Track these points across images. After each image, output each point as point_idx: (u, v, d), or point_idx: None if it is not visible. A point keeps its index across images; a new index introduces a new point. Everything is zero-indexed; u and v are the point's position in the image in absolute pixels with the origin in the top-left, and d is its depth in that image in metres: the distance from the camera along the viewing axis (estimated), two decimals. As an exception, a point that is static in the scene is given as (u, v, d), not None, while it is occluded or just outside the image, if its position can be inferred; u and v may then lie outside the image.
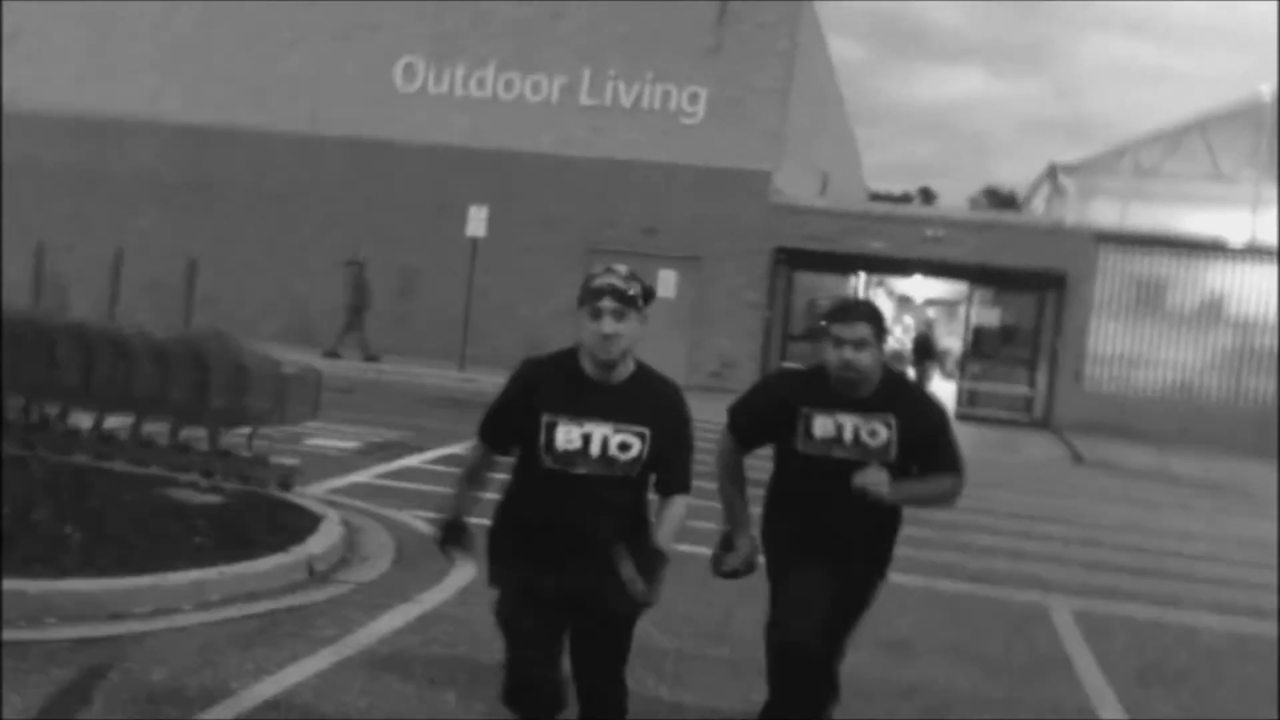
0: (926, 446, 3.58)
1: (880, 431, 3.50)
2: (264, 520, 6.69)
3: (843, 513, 3.51)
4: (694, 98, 20.47)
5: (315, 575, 6.00)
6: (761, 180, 20.13)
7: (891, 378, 3.63)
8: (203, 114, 21.63)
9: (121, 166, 21.96)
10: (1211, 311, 19.76)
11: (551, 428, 3.06)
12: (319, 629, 5.10)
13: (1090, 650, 5.95)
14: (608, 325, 3.00)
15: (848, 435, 3.50)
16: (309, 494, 7.72)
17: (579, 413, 3.07)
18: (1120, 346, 19.70)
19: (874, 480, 3.42)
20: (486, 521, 3.28)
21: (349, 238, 20.43)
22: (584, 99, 20.86)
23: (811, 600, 3.52)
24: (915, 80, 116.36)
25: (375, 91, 21.34)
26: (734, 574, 3.65)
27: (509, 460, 3.28)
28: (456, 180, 20.29)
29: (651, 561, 3.09)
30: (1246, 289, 19.62)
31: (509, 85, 21.15)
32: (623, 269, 3.10)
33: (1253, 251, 19.52)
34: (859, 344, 3.43)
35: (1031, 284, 19.64)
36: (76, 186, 21.79)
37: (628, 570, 3.03)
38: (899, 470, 3.50)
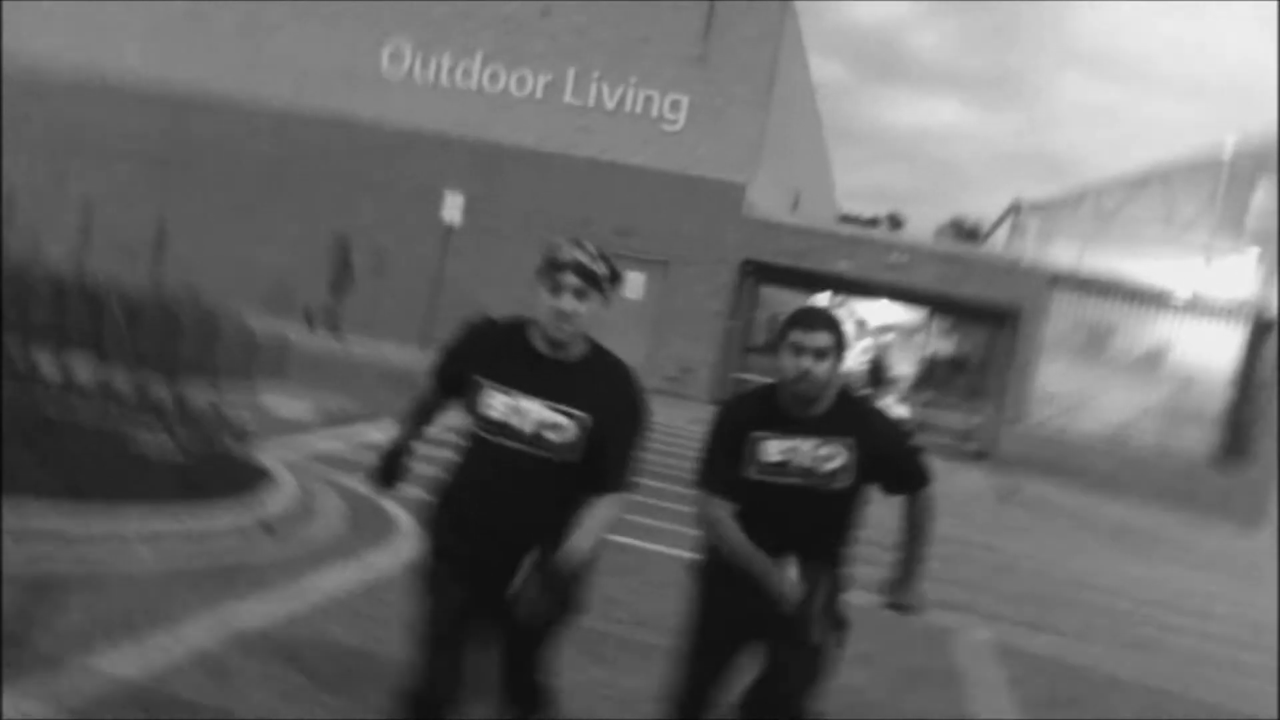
0: (891, 462, 3.32)
1: (838, 455, 3.21)
2: (219, 473, 6.90)
3: (803, 537, 3.27)
4: (675, 105, 20.83)
5: (269, 530, 6.24)
6: (736, 192, 20.52)
7: (846, 396, 3.34)
8: (188, 82, 21.68)
9: (103, 128, 21.92)
10: (1154, 361, 20.43)
11: (479, 390, 2.91)
12: (270, 580, 5.34)
13: (994, 671, 6.34)
14: (566, 302, 2.83)
15: (800, 460, 3.21)
16: (264, 452, 7.94)
17: (512, 384, 2.90)
18: (1065, 387, 20.31)
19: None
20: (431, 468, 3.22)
21: (324, 214, 20.58)
22: (568, 98, 21.15)
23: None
24: (893, 105, 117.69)
25: (361, 74, 21.51)
26: (800, 603, 3.24)
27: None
28: (435, 167, 20.50)
29: (553, 578, 2.84)
30: (1189, 343, 20.30)
31: (494, 78, 21.39)
32: (591, 246, 2.90)
33: (1198, 306, 20.20)
34: (819, 353, 3.15)
35: (986, 317, 20.19)
36: (56, 146, 21.73)
37: (531, 586, 2.83)
38: (850, 497, 3.28)
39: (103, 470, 6.22)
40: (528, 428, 2.87)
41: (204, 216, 21.03)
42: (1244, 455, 19.08)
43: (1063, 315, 20.35)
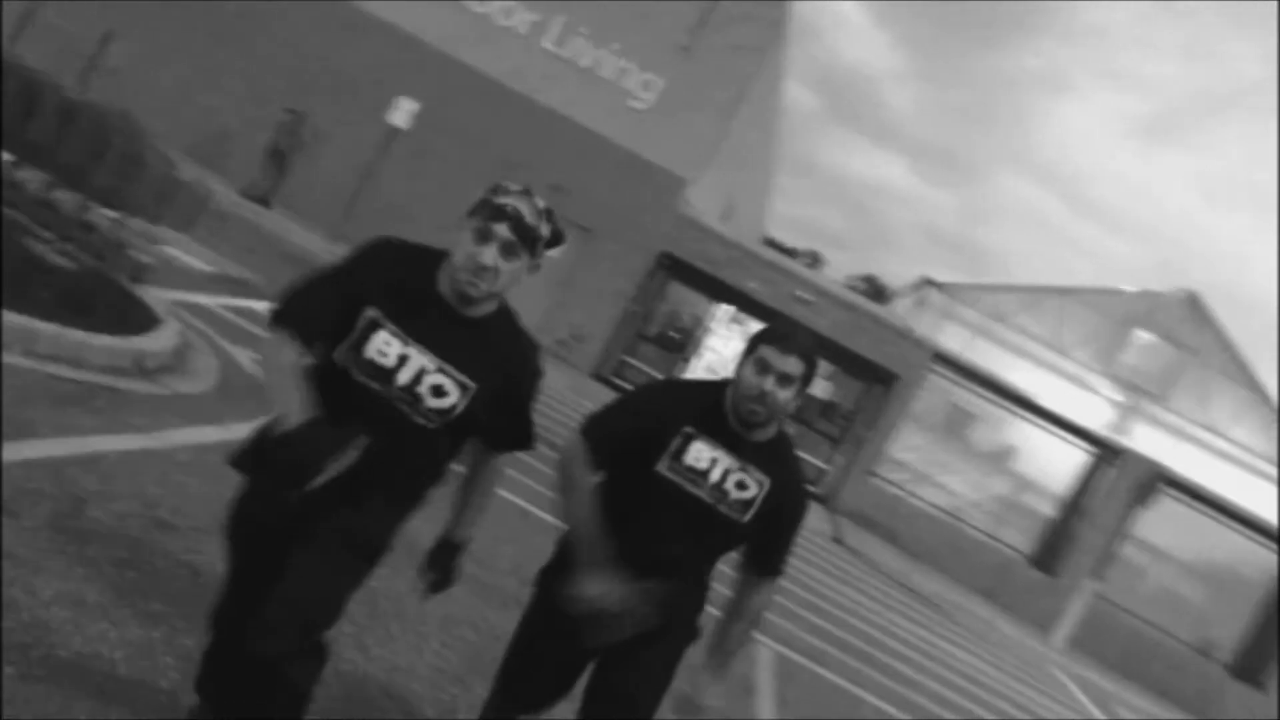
0: (775, 529, 3.02)
1: (750, 487, 2.93)
2: (105, 300, 7.03)
3: (676, 553, 2.99)
4: (648, 85, 21.12)
5: (141, 370, 6.42)
6: (677, 185, 20.94)
7: (783, 438, 3.03)
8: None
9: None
10: (1001, 459, 21.71)
11: (370, 329, 2.48)
12: (131, 416, 5.55)
13: (774, 688, 6.96)
14: (489, 255, 2.44)
15: (715, 475, 2.91)
16: (153, 295, 8.05)
17: (407, 329, 2.50)
18: (915, 458, 21.41)
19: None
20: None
21: (274, 80, 20.23)
22: (547, 42, 21.25)
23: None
24: (849, 151, 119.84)
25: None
26: (601, 617, 2.91)
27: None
28: (395, 65, 20.35)
29: (442, 554, 2.77)
30: (1037, 452, 21.63)
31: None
32: (539, 200, 2.53)
33: (1055, 422, 21.53)
34: (784, 379, 2.84)
35: (866, 374, 21.11)
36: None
37: (432, 571, 2.78)
38: (740, 533, 2.98)
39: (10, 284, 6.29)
40: (405, 379, 2.49)
41: (152, 43, 20.42)
42: (1054, 566, 20.44)
43: (934, 392, 21.43)
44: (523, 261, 2.51)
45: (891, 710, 8.12)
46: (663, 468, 2.91)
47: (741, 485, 2.93)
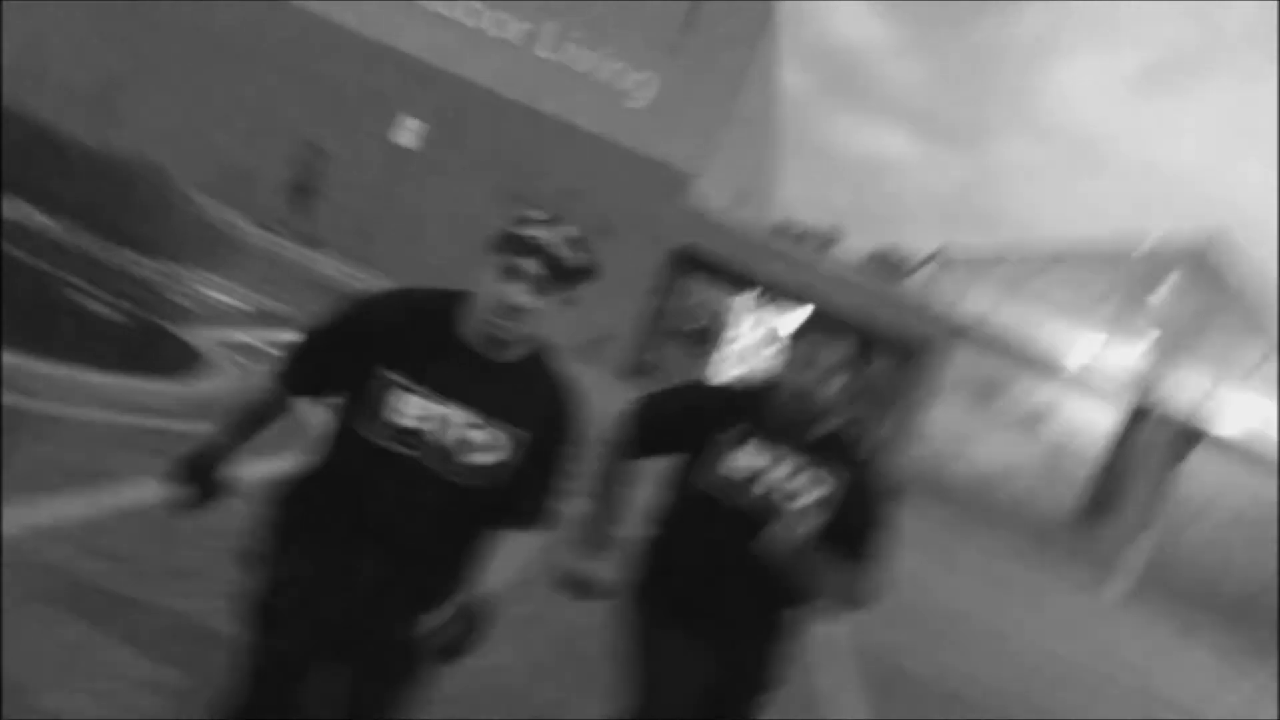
0: (859, 530, 2.76)
1: (817, 485, 2.71)
2: (157, 347, 7.14)
3: (732, 566, 2.74)
4: (644, 84, 21.16)
5: (201, 411, 6.50)
6: (683, 180, 20.97)
7: (852, 430, 2.82)
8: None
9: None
10: (1036, 420, 21.67)
11: (386, 389, 2.18)
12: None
13: (844, 663, 7.00)
14: (520, 295, 2.13)
15: (774, 475, 2.70)
16: (197, 336, 8.14)
17: (430, 384, 2.20)
18: (951, 430, 21.39)
19: (791, 524, 2.62)
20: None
21: (280, 109, 20.35)
22: (542, 50, 21.30)
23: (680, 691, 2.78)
24: (852, 127, 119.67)
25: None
26: (585, 591, 2.84)
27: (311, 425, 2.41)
28: (396, 87, 20.45)
29: (460, 620, 2.22)
30: (1072, 411, 21.58)
31: (474, 13, 21.41)
32: (572, 228, 2.19)
33: (1087, 379, 21.47)
34: (831, 369, 2.67)
35: (892, 352, 21.10)
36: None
37: (450, 629, 2.21)
38: (818, 537, 2.69)
39: (52, 325, 6.40)
40: (446, 441, 2.19)
41: (156, 86, 20.59)
42: (1101, 519, 20.41)
43: (962, 362, 21.40)
44: (557, 297, 2.18)
45: (954, 681, 8.14)
46: (700, 477, 2.73)
47: (816, 482, 2.71)
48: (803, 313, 2.75)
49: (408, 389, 2.18)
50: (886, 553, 2.82)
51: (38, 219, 8.49)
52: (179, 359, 7.02)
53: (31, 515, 4.08)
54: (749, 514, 2.70)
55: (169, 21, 21.28)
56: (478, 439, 2.21)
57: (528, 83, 21.10)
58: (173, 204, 8.44)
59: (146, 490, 4.77)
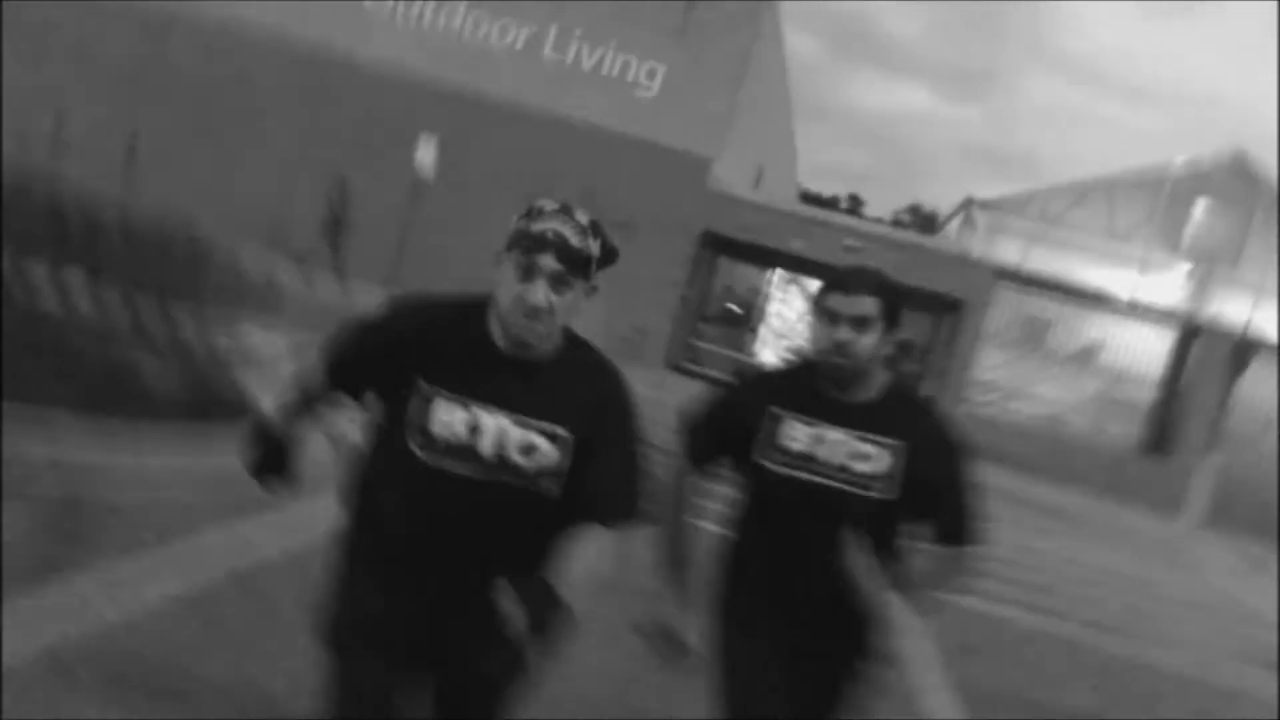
0: (937, 495, 2.59)
1: (879, 457, 2.54)
2: (217, 402, 7.32)
3: (810, 559, 2.59)
4: (652, 73, 21.19)
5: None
6: (702, 165, 20.98)
7: (903, 390, 2.67)
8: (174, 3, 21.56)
9: (79, 41, 21.69)
10: (1087, 357, 21.46)
11: (428, 404, 2.16)
12: (278, 507, 5.76)
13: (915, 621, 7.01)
14: (538, 293, 2.09)
15: (827, 452, 2.56)
16: (249, 377, 8.32)
17: (470, 393, 2.16)
18: (1001, 376, 21.25)
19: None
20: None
21: (295, 147, 20.65)
22: (547, 53, 21.41)
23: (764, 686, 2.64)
24: (863, 86, 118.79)
25: (343, 7, 21.52)
26: (666, 646, 2.67)
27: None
28: (409, 109, 20.66)
29: (543, 605, 2.04)
30: (1122, 343, 21.33)
31: (477, 24, 21.56)
32: (582, 214, 2.16)
33: (1134, 310, 21.20)
34: (859, 322, 2.52)
35: (932, 306, 20.97)
36: (30, 56, 21.47)
37: (515, 620, 2.01)
38: (892, 518, 2.59)
39: (113, 392, 6.59)
40: (489, 450, 2.14)
41: (176, 138, 20.98)
42: (1166, 449, 20.17)
43: (1004, 308, 21.24)
44: (578, 289, 2.15)
45: (1042, 623, 8.12)
46: (771, 462, 2.59)
47: (866, 457, 2.54)
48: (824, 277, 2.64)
49: (447, 399, 2.15)
50: (978, 506, 2.62)
51: (75, 283, 8.71)
52: (236, 406, 7.19)
53: (131, 596, 4.23)
54: (812, 499, 2.55)
55: (181, 79, 21.67)
56: (525, 442, 2.16)
57: (538, 87, 21.22)
58: (208, 255, 8.62)
59: (233, 550, 4.93)
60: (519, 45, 21.49)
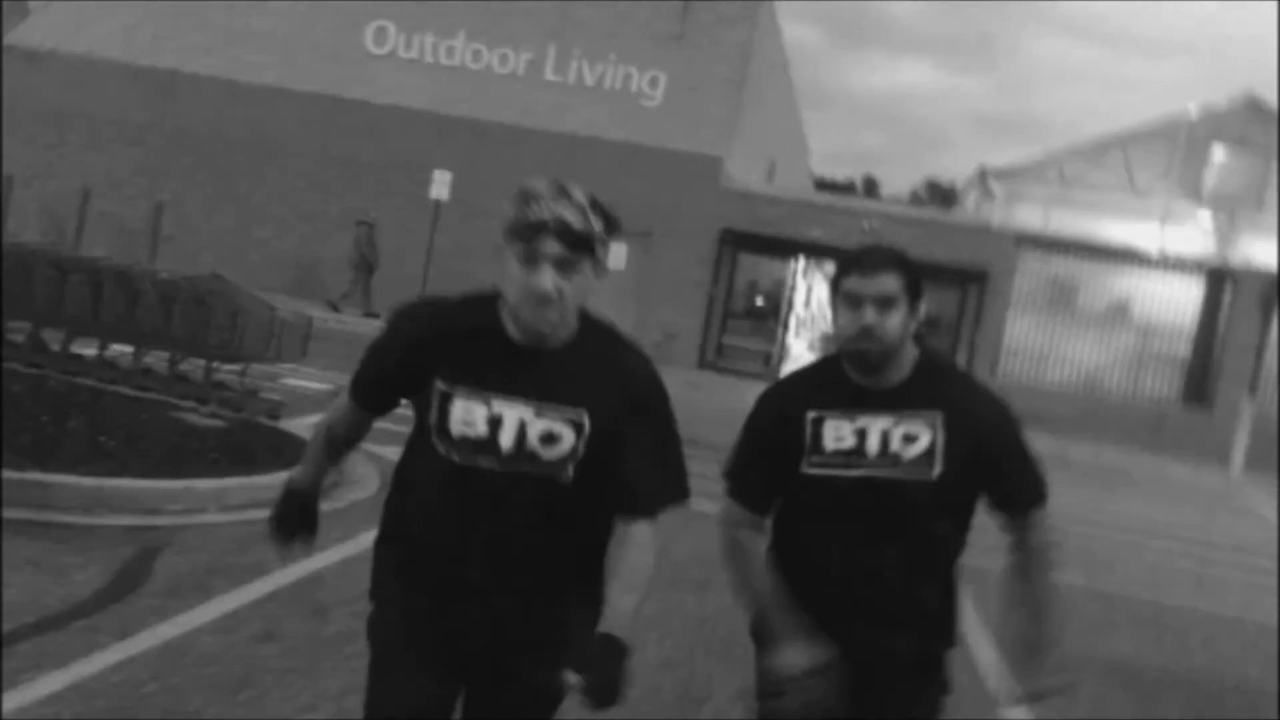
0: (993, 462, 2.45)
1: (920, 436, 2.40)
2: (262, 443, 7.61)
3: (867, 562, 2.41)
4: (654, 82, 21.42)
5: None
6: (713, 165, 21.17)
7: (934, 362, 2.52)
8: (173, 59, 22.05)
9: (90, 106, 22.27)
10: (1118, 315, 21.38)
11: (447, 402, 2.13)
12: (328, 532, 6.04)
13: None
14: (546, 279, 2.03)
15: (873, 443, 2.41)
16: (296, 425, 8.63)
17: (488, 386, 2.12)
18: (1033, 341, 21.24)
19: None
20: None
21: (312, 191, 21.10)
22: (549, 74, 21.71)
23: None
24: (866, 69, 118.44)
25: (346, 52, 21.97)
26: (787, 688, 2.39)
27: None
28: (420, 144, 21.03)
29: (599, 655, 2.00)
30: (1151, 297, 21.24)
31: (477, 56, 21.92)
32: (579, 194, 2.11)
33: (1160, 262, 21.11)
34: (882, 302, 2.37)
35: (956, 279, 21.01)
36: (42, 124, 22.07)
37: (570, 663, 1.99)
38: (948, 496, 2.42)
39: (164, 445, 6.91)
40: (509, 443, 2.10)
41: (192, 195, 21.50)
42: (1206, 398, 20.06)
43: (1029, 274, 21.22)
44: (586, 270, 2.09)
45: (1109, 585, 8.22)
46: (810, 466, 2.43)
47: (909, 439, 2.40)
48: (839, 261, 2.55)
49: (466, 396, 2.11)
50: (1037, 464, 2.51)
51: (116, 350, 9.10)
52: (282, 450, 7.47)
53: (192, 618, 4.52)
54: (869, 495, 2.40)
55: (190, 139, 22.17)
56: (546, 430, 2.10)
57: (543, 109, 21.51)
58: (247, 310, 8.94)
59: (294, 576, 5.20)
60: (520, 71, 21.80)
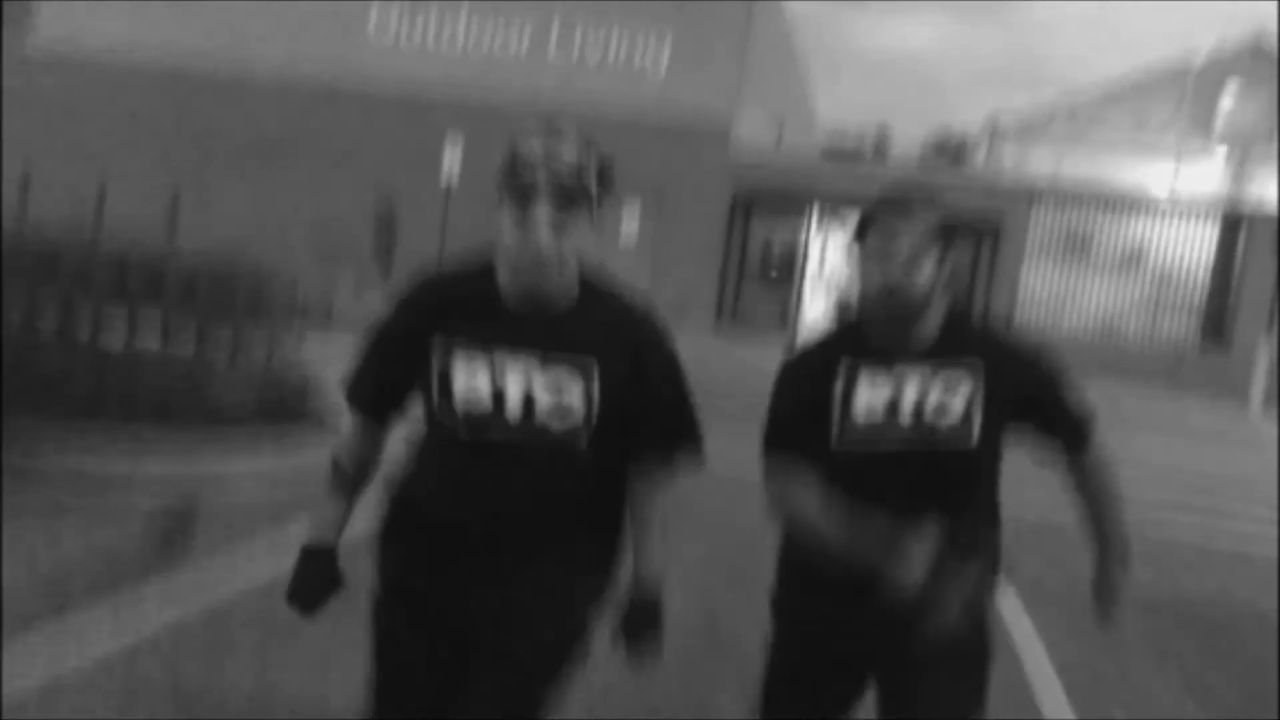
0: (1037, 403, 2.32)
1: (964, 384, 2.23)
2: (304, 411, 7.83)
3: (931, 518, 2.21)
4: (658, 52, 21.43)
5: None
6: (721, 132, 21.19)
7: (961, 315, 2.34)
8: (177, 57, 22.20)
9: (100, 106, 22.47)
10: (1134, 260, 21.35)
11: (447, 371, 2.03)
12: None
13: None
14: (541, 235, 1.94)
15: (906, 411, 2.23)
16: (331, 396, 8.81)
17: (494, 350, 2.02)
18: (1049, 291, 21.23)
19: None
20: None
21: (324, 175, 21.26)
22: (552, 52, 21.73)
23: None
24: (871, 27, 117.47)
25: (350, 40, 22.06)
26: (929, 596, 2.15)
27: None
28: (428, 128, 21.12)
29: (634, 619, 2.08)
30: (1166, 240, 21.18)
31: (480, 37, 21.95)
32: (569, 145, 1.98)
33: (1173, 206, 21.04)
34: (910, 253, 2.17)
35: (970, 232, 21.00)
36: (52, 124, 22.28)
37: (627, 640, 2.09)
38: (994, 443, 2.28)
39: (201, 404, 7.11)
40: (516, 406, 2.01)
41: (209, 186, 21.68)
42: (1224, 339, 20.05)
43: (1043, 223, 21.19)
44: (583, 220, 1.98)
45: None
46: (837, 442, 2.26)
47: (948, 391, 2.23)
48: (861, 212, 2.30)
49: (467, 357, 2.03)
50: (1080, 396, 2.39)
51: (144, 328, 9.27)
52: (325, 418, 7.67)
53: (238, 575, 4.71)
54: (910, 460, 2.23)
55: (202, 130, 22.34)
56: (545, 382, 2.01)
57: (548, 85, 21.54)
58: (272, 288, 9.11)
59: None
60: (524, 48, 21.83)
